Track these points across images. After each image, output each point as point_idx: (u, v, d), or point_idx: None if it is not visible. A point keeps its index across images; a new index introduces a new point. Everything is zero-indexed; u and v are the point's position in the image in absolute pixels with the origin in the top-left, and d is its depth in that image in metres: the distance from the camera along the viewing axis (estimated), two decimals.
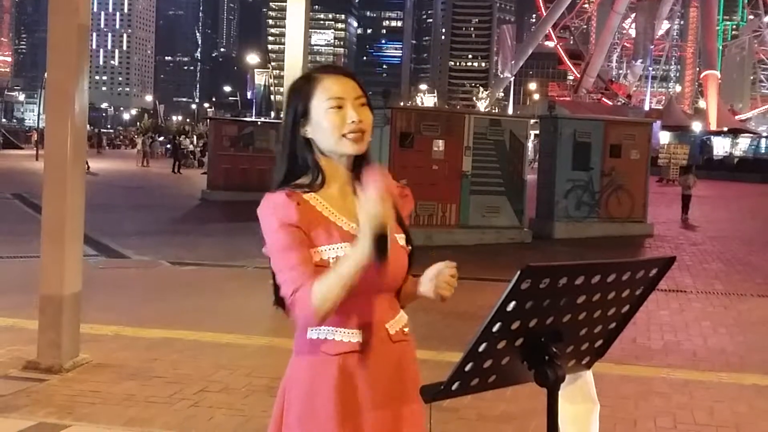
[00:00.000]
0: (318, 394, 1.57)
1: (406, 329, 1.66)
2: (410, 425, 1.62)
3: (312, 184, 1.60)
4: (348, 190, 1.62)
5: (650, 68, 75.38)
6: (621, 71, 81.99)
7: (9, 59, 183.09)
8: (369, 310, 1.58)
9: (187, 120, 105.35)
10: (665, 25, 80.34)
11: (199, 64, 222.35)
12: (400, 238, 1.63)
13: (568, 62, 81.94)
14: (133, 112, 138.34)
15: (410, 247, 1.65)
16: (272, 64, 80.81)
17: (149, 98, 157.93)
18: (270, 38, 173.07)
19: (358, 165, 1.62)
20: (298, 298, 1.48)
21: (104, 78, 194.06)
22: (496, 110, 74.15)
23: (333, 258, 1.53)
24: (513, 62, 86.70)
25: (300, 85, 1.63)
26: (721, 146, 46.04)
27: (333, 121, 1.57)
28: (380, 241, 1.43)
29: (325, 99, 1.58)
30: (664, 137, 44.17)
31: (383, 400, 1.59)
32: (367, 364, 1.57)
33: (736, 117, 65.24)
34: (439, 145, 10.90)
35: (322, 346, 1.58)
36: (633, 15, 75.80)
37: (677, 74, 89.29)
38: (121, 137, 66.89)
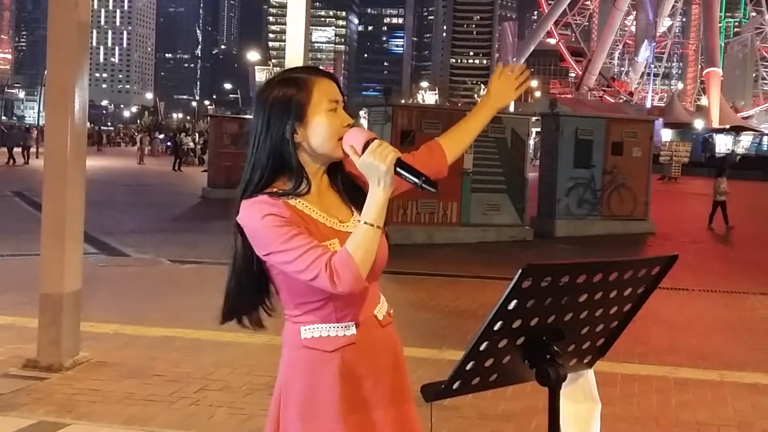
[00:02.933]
0: (319, 392, 1.56)
1: (390, 311, 1.69)
2: (414, 411, 1.65)
3: (297, 189, 1.57)
4: (323, 189, 1.63)
5: (652, 65, 75.29)
6: (623, 68, 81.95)
7: (9, 56, 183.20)
8: (359, 301, 1.58)
9: (188, 117, 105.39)
10: (667, 22, 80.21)
11: (199, 61, 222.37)
12: None
13: (569, 59, 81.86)
14: (134, 109, 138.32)
15: (386, 229, 1.59)
16: (273, 61, 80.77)
17: (150, 96, 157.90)
18: (270, 35, 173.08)
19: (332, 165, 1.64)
20: (338, 264, 1.44)
21: (104, 75, 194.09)
22: None
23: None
24: (514, 59, 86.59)
25: (290, 90, 1.57)
26: (723, 144, 45.99)
27: (332, 125, 1.57)
28: (409, 168, 1.47)
29: (324, 101, 1.57)
30: (666, 135, 44.15)
31: (387, 391, 1.60)
32: (365, 354, 1.58)
33: (738, 114, 65.20)
34: None
35: (318, 343, 1.57)
36: (635, 12, 75.70)
37: (679, 71, 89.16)
38: (122, 135, 66.88)
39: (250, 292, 1.62)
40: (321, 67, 1.73)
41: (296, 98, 1.56)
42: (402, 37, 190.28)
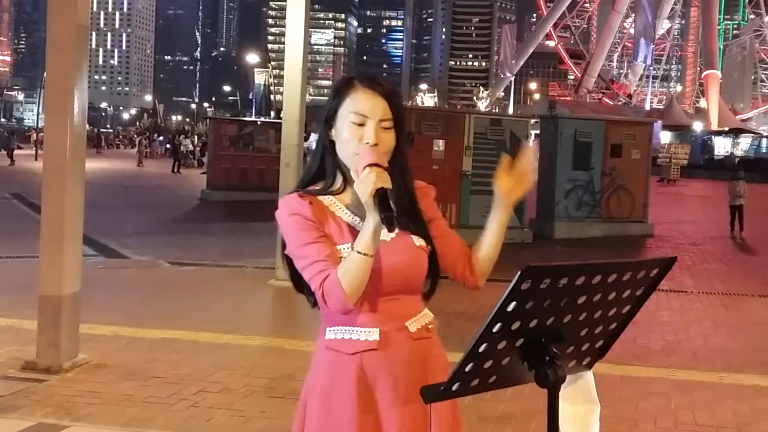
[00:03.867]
0: (337, 394, 1.57)
1: (430, 326, 1.66)
2: (435, 425, 1.61)
3: (328, 188, 1.62)
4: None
5: (651, 68, 75.39)
6: (622, 71, 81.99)
7: (8, 59, 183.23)
8: (387, 309, 1.59)
9: (187, 120, 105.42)
10: (666, 25, 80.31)
11: (198, 63, 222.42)
12: (419, 239, 1.64)
13: (568, 62, 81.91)
14: (133, 111, 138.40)
15: (431, 248, 1.64)
16: (272, 63, 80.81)
17: (149, 98, 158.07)
18: (270, 38, 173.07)
19: None
20: (328, 287, 1.51)
21: (104, 77, 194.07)
22: (497, 110, 74.09)
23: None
24: (513, 62, 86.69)
25: (339, 86, 1.64)
26: (722, 146, 46.00)
27: (350, 135, 1.58)
28: (382, 202, 1.47)
29: (350, 111, 1.59)
30: (665, 137, 44.16)
31: (405, 399, 1.58)
32: (387, 362, 1.57)
33: (737, 117, 65.21)
34: (440, 145, 10.89)
35: (340, 345, 1.59)
36: (633, 14, 75.82)
37: (678, 74, 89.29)
38: (121, 137, 66.84)
39: (295, 278, 1.66)
40: (382, 78, 1.69)
41: (331, 103, 1.62)
42: (401, 40, 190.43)
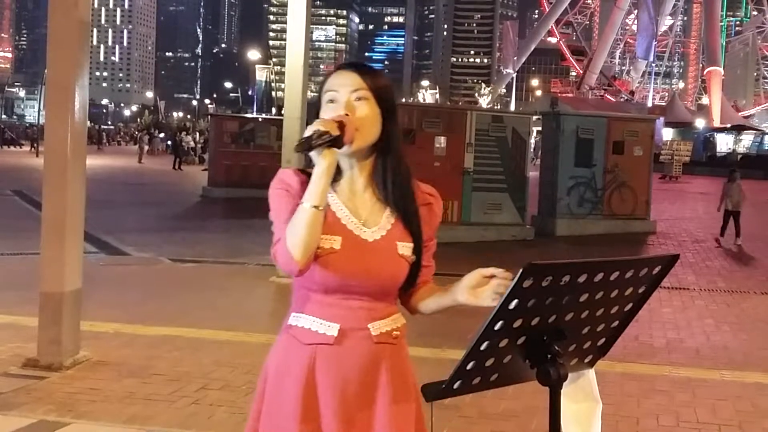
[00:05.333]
0: (287, 379, 1.57)
1: (396, 333, 1.61)
2: (378, 428, 1.57)
3: None
4: (358, 189, 1.61)
5: (653, 64, 75.24)
6: (624, 67, 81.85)
7: (9, 55, 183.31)
8: (353, 307, 1.56)
9: (188, 116, 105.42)
10: (668, 21, 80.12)
11: (200, 60, 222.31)
12: (404, 247, 1.60)
13: (570, 58, 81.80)
14: (134, 108, 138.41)
15: (414, 258, 1.61)
16: (273, 60, 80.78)
17: (150, 94, 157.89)
18: (271, 34, 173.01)
19: (381, 157, 1.60)
20: (278, 247, 1.50)
21: (105, 74, 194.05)
22: (498, 107, 74.06)
23: (324, 248, 1.52)
24: (515, 58, 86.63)
25: (320, 84, 1.65)
26: (724, 143, 45.92)
27: (325, 114, 1.57)
28: (306, 138, 1.45)
29: (323, 94, 1.60)
30: (667, 134, 44.09)
31: (350, 399, 1.55)
32: (339, 359, 1.55)
33: (740, 113, 65.13)
34: (441, 141, 10.88)
35: (299, 333, 1.58)
36: (636, 11, 75.65)
37: (680, 70, 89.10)
38: (122, 133, 66.87)
39: None
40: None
41: (317, 94, 1.63)
42: (402, 36, 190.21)
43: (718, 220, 13.85)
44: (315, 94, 1.66)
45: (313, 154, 1.48)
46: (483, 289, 1.51)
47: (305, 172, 1.57)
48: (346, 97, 1.56)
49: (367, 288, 1.56)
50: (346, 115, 1.53)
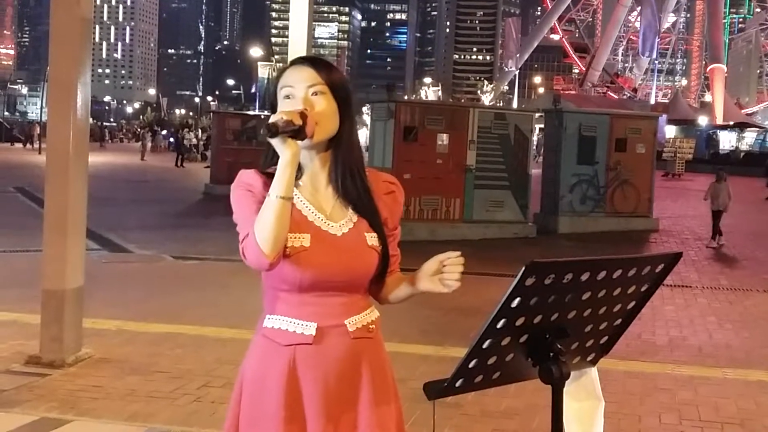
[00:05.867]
0: (266, 383, 1.56)
1: (371, 326, 1.61)
2: (365, 427, 1.57)
3: None
4: (321, 184, 1.60)
5: (656, 62, 75.08)
6: (627, 64, 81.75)
7: (12, 52, 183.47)
8: (328, 304, 1.56)
9: (191, 113, 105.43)
10: (671, 18, 79.94)
11: (202, 57, 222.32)
12: (372, 237, 1.59)
13: (573, 55, 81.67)
14: (136, 105, 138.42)
15: (383, 248, 1.60)
16: (276, 57, 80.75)
17: (152, 91, 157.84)
18: (273, 31, 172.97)
19: (336, 150, 1.60)
20: (246, 243, 1.48)
21: (107, 71, 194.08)
22: (501, 104, 73.95)
23: (294, 246, 1.51)
24: (518, 55, 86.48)
25: (274, 79, 1.66)
26: (727, 140, 45.90)
27: (280, 112, 1.55)
28: (268, 126, 1.45)
29: (279, 90, 1.60)
30: (670, 131, 44.04)
31: (333, 396, 1.55)
32: (319, 357, 1.55)
33: (743, 111, 64.97)
34: (443, 139, 10.86)
35: (275, 335, 1.57)
36: (639, 8, 75.47)
37: (683, 68, 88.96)
38: (124, 131, 66.91)
39: None
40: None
41: (271, 89, 1.64)
42: (405, 33, 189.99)
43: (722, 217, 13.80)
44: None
45: (276, 143, 1.47)
46: (439, 276, 1.53)
47: (266, 174, 1.55)
48: (303, 92, 1.56)
49: (342, 283, 1.56)
50: (306, 110, 1.52)
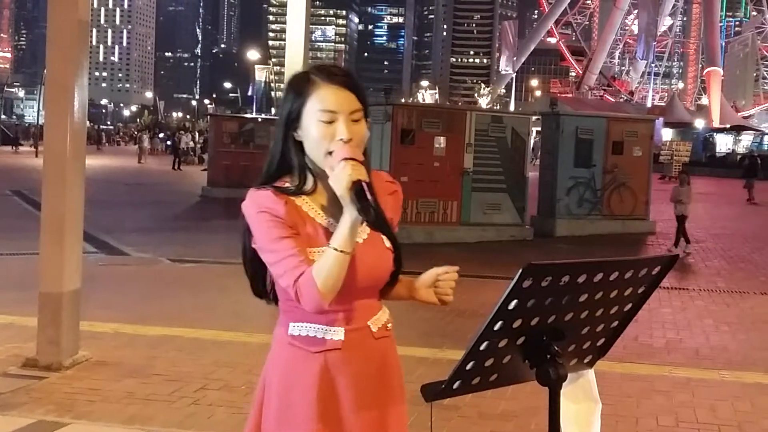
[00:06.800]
0: (296, 392, 1.55)
1: (389, 325, 1.64)
2: (394, 426, 1.60)
3: (301, 187, 1.58)
4: (335, 194, 1.57)
5: (653, 65, 75.25)
6: (623, 68, 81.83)
7: (9, 55, 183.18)
8: (353, 308, 1.57)
9: (188, 116, 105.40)
10: (668, 22, 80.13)
11: (199, 60, 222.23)
12: (386, 240, 1.61)
13: (570, 59, 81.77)
14: (133, 108, 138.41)
15: (396, 249, 1.62)
16: (273, 60, 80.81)
17: (149, 95, 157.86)
18: (270, 34, 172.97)
19: None
20: (302, 283, 1.47)
21: (104, 74, 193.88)
22: (498, 107, 74.03)
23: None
24: (515, 59, 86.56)
25: (297, 84, 1.57)
26: (723, 143, 45.95)
27: (321, 135, 1.53)
28: (358, 195, 1.44)
29: (317, 110, 1.53)
30: (667, 134, 44.09)
31: (366, 400, 1.56)
32: (350, 362, 1.55)
33: (739, 114, 65.10)
34: (441, 142, 10.87)
35: (304, 342, 1.56)
36: (635, 11, 75.68)
37: (680, 71, 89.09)
38: (121, 134, 66.84)
39: (256, 277, 1.66)
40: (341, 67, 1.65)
41: (293, 104, 1.56)
42: (402, 36, 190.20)
43: (718, 219, 13.84)
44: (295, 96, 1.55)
45: (352, 200, 1.45)
46: (434, 289, 1.59)
47: (280, 191, 1.54)
48: (345, 119, 1.53)
49: (365, 287, 1.57)
50: (350, 140, 1.51)
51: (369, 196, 1.45)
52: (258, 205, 1.53)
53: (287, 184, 1.58)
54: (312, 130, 1.53)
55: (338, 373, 1.55)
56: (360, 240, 1.56)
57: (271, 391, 1.59)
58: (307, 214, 1.56)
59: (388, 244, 1.60)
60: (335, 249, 1.46)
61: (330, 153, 1.51)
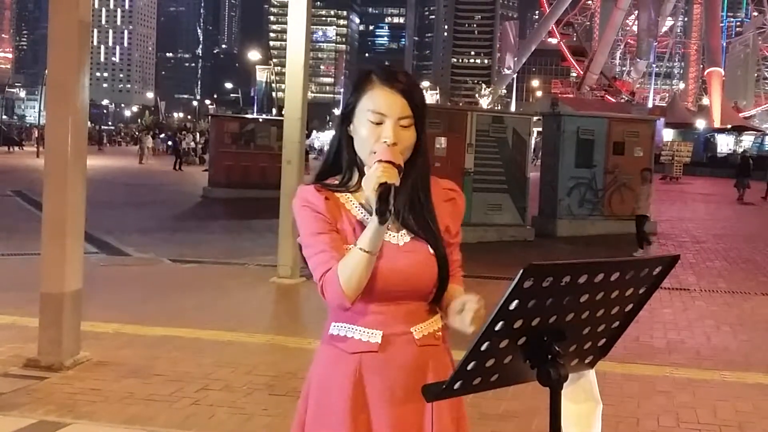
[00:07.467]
0: (332, 390, 1.56)
1: (438, 333, 1.63)
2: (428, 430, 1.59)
3: (344, 184, 1.61)
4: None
5: (654, 65, 75.24)
6: (624, 68, 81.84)
7: (10, 55, 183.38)
8: (393, 312, 1.56)
9: (189, 117, 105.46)
10: (669, 22, 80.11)
11: (200, 60, 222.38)
12: (428, 247, 1.59)
13: (571, 59, 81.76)
14: (135, 108, 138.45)
15: (439, 255, 1.59)
16: (274, 60, 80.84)
17: (150, 95, 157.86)
18: (272, 35, 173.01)
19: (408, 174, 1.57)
20: (327, 280, 1.50)
21: (105, 75, 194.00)
22: (499, 107, 74.00)
23: None
24: (516, 59, 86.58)
25: (357, 80, 1.61)
26: (724, 143, 45.93)
27: (368, 134, 1.55)
28: (381, 197, 1.45)
29: (367, 109, 1.56)
30: (668, 134, 44.12)
31: (399, 404, 1.56)
32: (386, 365, 1.55)
33: (740, 114, 65.11)
34: (442, 142, 10.87)
35: (341, 342, 1.57)
36: (636, 11, 75.68)
37: (681, 71, 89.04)
38: (122, 134, 66.90)
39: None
40: (404, 71, 1.62)
41: (349, 99, 1.61)
42: (403, 37, 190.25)
43: (720, 220, 13.82)
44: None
45: (367, 193, 1.48)
46: (460, 317, 1.55)
47: (325, 187, 1.58)
48: (394, 124, 1.54)
49: (406, 291, 1.56)
50: (395, 144, 1.53)
51: (391, 201, 1.46)
52: (302, 200, 1.58)
53: (335, 182, 1.61)
54: (361, 127, 1.57)
55: (373, 375, 1.55)
56: (401, 243, 1.57)
57: (311, 388, 1.62)
58: (348, 209, 1.58)
59: (432, 250, 1.59)
60: (360, 249, 1.48)
61: (374, 153, 1.53)
